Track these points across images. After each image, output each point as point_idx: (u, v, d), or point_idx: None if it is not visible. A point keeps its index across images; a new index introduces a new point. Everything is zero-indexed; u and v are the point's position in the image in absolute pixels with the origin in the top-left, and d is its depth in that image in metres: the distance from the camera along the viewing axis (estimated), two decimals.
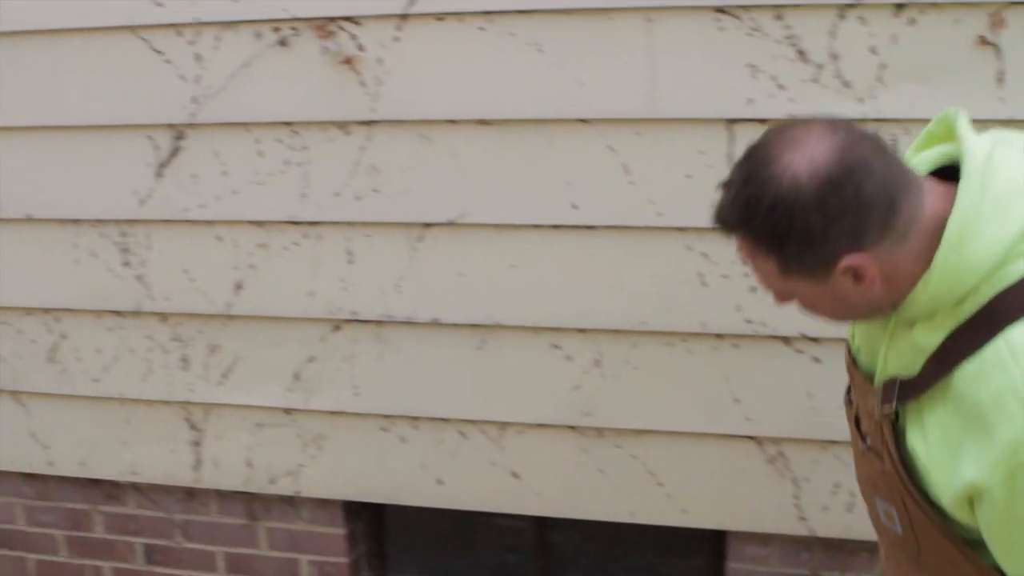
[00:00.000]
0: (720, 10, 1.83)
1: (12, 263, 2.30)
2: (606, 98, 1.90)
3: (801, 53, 1.82)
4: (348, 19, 1.98)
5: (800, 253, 1.01)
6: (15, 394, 2.39)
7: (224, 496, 2.35)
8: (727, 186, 1.05)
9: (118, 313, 2.25)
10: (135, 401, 2.30)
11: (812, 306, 1.10)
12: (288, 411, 2.22)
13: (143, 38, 2.09)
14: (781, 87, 1.84)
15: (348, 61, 1.99)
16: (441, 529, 2.40)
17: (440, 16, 1.94)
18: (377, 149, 2.01)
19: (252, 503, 2.34)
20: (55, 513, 2.47)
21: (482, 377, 2.09)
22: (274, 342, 2.17)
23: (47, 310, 2.31)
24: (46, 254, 2.27)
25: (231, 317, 2.18)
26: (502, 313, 2.03)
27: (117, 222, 2.20)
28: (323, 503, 2.29)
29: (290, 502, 2.32)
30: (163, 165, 2.14)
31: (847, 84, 1.81)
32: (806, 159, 0.97)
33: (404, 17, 1.95)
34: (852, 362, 1.23)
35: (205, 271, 2.17)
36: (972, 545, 1.06)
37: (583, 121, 1.92)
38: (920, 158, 1.13)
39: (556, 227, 1.97)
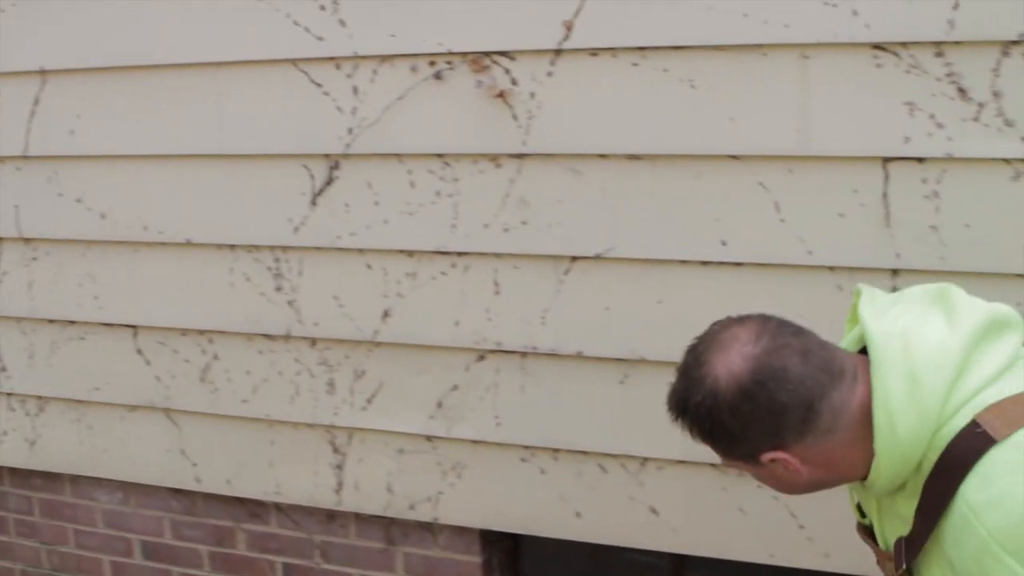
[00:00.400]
0: (878, 47, 2.05)
1: (171, 285, 2.70)
2: (758, 134, 2.15)
3: (961, 91, 2.02)
4: (502, 53, 2.29)
5: (726, 446, 1.30)
6: (168, 411, 2.80)
7: (363, 520, 2.70)
8: (677, 375, 1.33)
9: (269, 336, 2.63)
10: (281, 423, 2.67)
11: (762, 480, 1.34)
12: (430, 438, 2.54)
13: (303, 71, 2.46)
14: (939, 125, 2.04)
15: (501, 95, 2.30)
16: (576, 562, 2.67)
17: (594, 52, 2.22)
18: (527, 182, 2.31)
19: (390, 528, 2.68)
20: (200, 529, 2.87)
21: (624, 411, 2.36)
22: (419, 370, 2.50)
23: (201, 331, 2.70)
24: (203, 277, 2.66)
25: (378, 344, 2.52)
26: (646, 348, 2.30)
27: (271, 248, 2.57)
28: (461, 531, 2.60)
29: (428, 528, 2.64)
30: (317, 194, 2.50)
31: (1009, 123, 1.99)
32: (726, 367, 1.22)
33: (558, 52, 2.25)
34: (863, 530, 1.43)
35: (354, 298, 2.52)
36: None
37: (734, 157, 2.17)
38: (850, 337, 1.35)
39: (704, 263, 2.23)
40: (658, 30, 2.13)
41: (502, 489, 2.47)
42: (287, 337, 2.58)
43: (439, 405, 2.48)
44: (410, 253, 2.42)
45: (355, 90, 2.39)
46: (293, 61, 2.44)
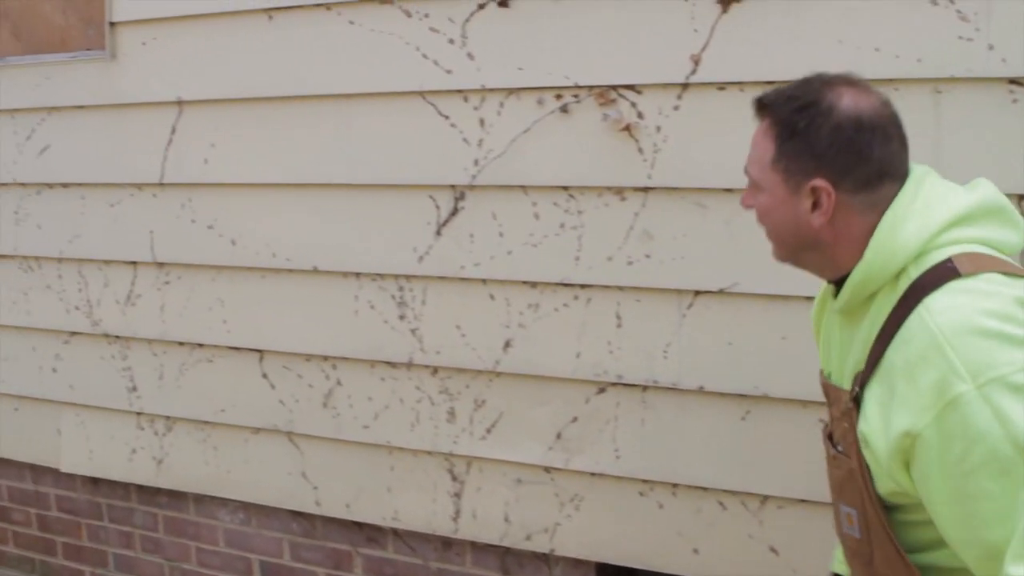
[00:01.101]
0: (1015, 81, 2.07)
1: (297, 311, 2.84)
2: None
3: None
4: (629, 87, 2.37)
5: (796, 151, 1.40)
6: (290, 435, 2.93)
7: (479, 548, 2.77)
8: (796, 83, 1.46)
9: (391, 364, 2.74)
10: (401, 449, 2.77)
11: (767, 213, 1.48)
12: (548, 469, 2.61)
13: (431, 103, 2.57)
14: None
15: (627, 128, 2.38)
16: None
17: (721, 86, 2.28)
18: (651, 215, 2.38)
19: (506, 557, 2.75)
20: (319, 552, 2.99)
21: (745, 448, 2.39)
22: (539, 401, 2.58)
23: (325, 357, 2.83)
24: (328, 304, 2.79)
25: (498, 374, 2.61)
26: (769, 384, 2.34)
27: (396, 277, 2.68)
28: (576, 563, 2.66)
29: (543, 559, 2.71)
30: (443, 224, 2.61)
31: None
32: (856, 99, 1.38)
33: (685, 86, 2.31)
34: (825, 379, 1.58)
35: (476, 327, 2.61)
36: (920, 550, 1.35)
37: None
38: None
39: None
40: (786, 63, 2.17)
41: (619, 522, 2.53)
42: (409, 365, 2.68)
43: (558, 436, 2.55)
44: (533, 284, 2.50)
45: (482, 122, 2.49)
46: (421, 93, 2.56)
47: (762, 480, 2.35)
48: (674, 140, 2.32)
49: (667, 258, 2.35)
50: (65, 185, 3.21)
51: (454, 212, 2.56)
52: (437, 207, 2.58)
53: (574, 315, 2.47)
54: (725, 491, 2.40)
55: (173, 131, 2.95)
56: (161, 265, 3.05)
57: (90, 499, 3.42)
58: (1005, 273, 1.30)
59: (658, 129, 2.32)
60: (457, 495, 2.70)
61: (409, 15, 2.56)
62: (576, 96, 2.39)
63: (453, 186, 2.55)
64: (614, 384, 2.46)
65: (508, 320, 2.54)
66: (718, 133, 2.27)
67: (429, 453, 2.70)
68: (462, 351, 2.61)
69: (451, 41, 2.50)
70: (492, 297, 2.55)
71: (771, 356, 2.30)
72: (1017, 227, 1.41)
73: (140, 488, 3.29)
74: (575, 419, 2.52)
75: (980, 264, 1.32)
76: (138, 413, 3.18)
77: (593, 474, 2.53)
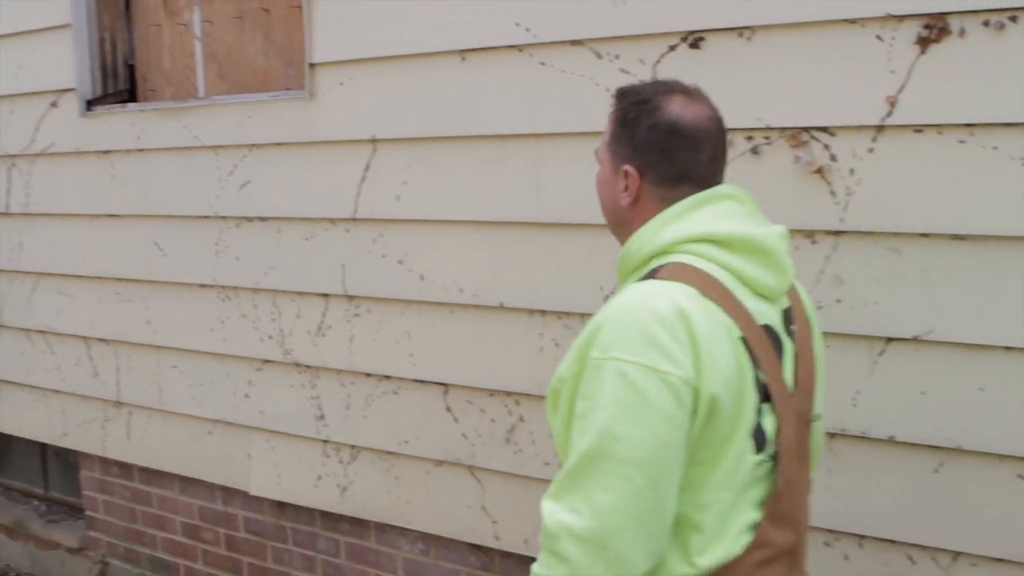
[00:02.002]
0: None
1: (482, 346, 2.97)
2: None
3: None
4: (822, 129, 2.41)
5: (622, 137, 1.68)
6: (472, 468, 3.06)
7: None
8: (654, 82, 1.75)
9: None
10: None
11: (599, 185, 1.78)
12: None
13: None
14: None
15: (819, 170, 2.42)
16: None
17: (918, 128, 2.30)
18: (843, 259, 2.41)
19: None
20: None
21: (937, 502, 2.38)
22: None
23: (509, 393, 2.95)
24: (513, 340, 2.91)
25: None
26: (964, 436, 2.32)
27: (581, 315, 2.78)
28: None
29: None
30: None
31: None
32: (683, 108, 1.65)
33: (880, 128, 2.34)
34: None
35: None
36: None
37: None
38: None
39: None
40: (988, 106, 2.19)
41: None
42: None
43: None
44: None
45: None
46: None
47: (954, 536, 2.34)
48: (868, 183, 2.34)
49: (858, 303, 2.37)
50: (263, 219, 3.43)
51: None
52: None
53: None
54: (914, 545, 2.39)
55: (367, 168, 3.13)
56: (351, 298, 3.24)
57: (276, 522, 3.62)
58: (701, 291, 1.51)
59: (851, 172, 2.36)
60: None
61: (600, 56, 2.66)
62: (767, 138, 2.45)
63: None
64: None
65: None
66: (914, 176, 2.29)
67: None
68: None
69: (641, 82, 2.59)
70: None
71: (967, 407, 2.29)
72: (777, 272, 1.63)
73: (324, 514, 3.48)
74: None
75: (680, 275, 1.54)
76: (325, 441, 3.37)
77: None
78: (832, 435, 2.45)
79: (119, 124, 3.82)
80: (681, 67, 2.52)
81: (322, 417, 3.35)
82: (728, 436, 1.50)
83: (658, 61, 2.56)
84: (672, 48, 2.55)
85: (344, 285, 3.24)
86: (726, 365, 1.49)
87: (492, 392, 2.95)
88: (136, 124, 3.77)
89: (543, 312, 2.82)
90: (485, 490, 3.00)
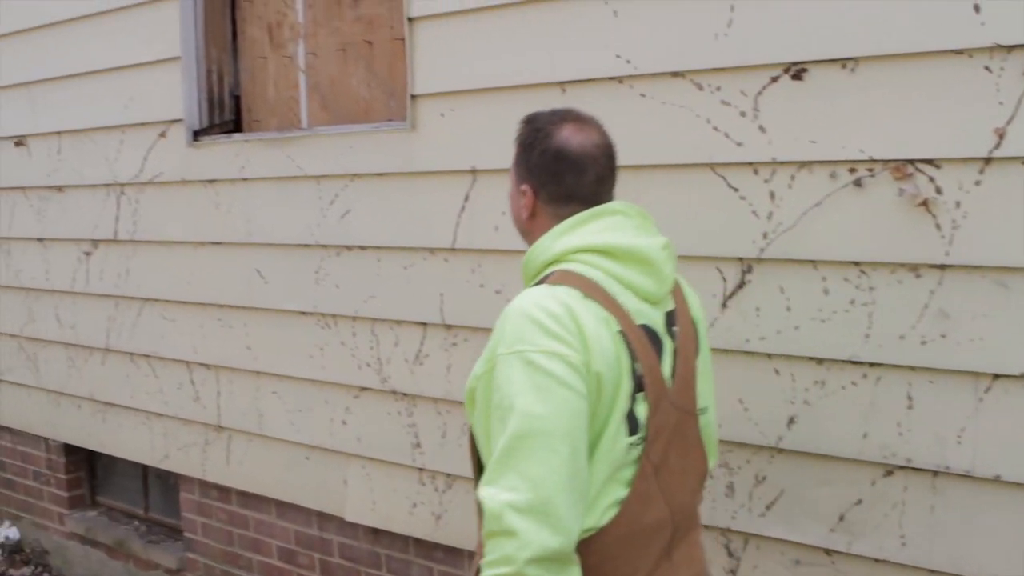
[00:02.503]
0: None
1: None
2: None
3: None
4: (927, 161, 2.40)
5: (521, 159, 1.95)
6: None
7: None
8: (556, 111, 1.98)
9: None
10: None
11: (509, 200, 2.01)
12: (828, 552, 2.63)
13: (721, 175, 2.69)
14: None
15: (924, 203, 2.41)
16: None
17: None
18: (948, 293, 2.39)
19: None
20: None
21: None
22: (822, 480, 2.61)
23: None
24: None
25: (780, 450, 2.66)
26: None
27: None
28: None
29: None
30: (729, 296, 2.71)
31: None
32: (571, 135, 1.91)
33: (987, 160, 2.32)
34: None
35: (759, 402, 2.68)
36: None
37: None
38: None
39: None
40: None
41: None
42: None
43: (841, 518, 2.57)
44: (819, 360, 2.55)
45: (772, 195, 2.58)
46: (711, 165, 2.68)
47: None
48: (975, 216, 2.33)
49: (964, 339, 2.35)
50: (363, 248, 3.52)
51: (741, 285, 2.65)
52: (724, 279, 2.68)
53: (862, 394, 2.50)
54: None
55: (466, 199, 3.20)
56: (449, 327, 3.29)
57: (370, 549, 3.68)
58: (583, 293, 1.76)
59: (957, 205, 2.34)
60: (733, 572, 2.76)
61: (701, 88, 2.69)
62: (871, 170, 2.45)
63: (740, 259, 2.64)
64: (902, 467, 2.47)
65: (793, 396, 2.60)
66: (1023, 209, 2.27)
67: (706, 527, 2.77)
68: (744, 425, 2.68)
69: (743, 114, 2.61)
70: (777, 372, 2.62)
71: None
72: (657, 278, 1.88)
73: (418, 542, 3.53)
74: (859, 501, 2.54)
75: (566, 280, 1.79)
76: (420, 469, 3.42)
77: (876, 560, 2.53)
78: (935, 473, 2.42)
79: (224, 154, 3.95)
80: (783, 99, 2.54)
81: (418, 445, 3.41)
82: (606, 418, 1.72)
83: (760, 93, 2.58)
84: (774, 80, 2.56)
85: (442, 314, 3.30)
86: (608, 351, 1.72)
87: None
88: (240, 154, 3.89)
89: None
90: None
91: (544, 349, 1.66)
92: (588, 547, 1.71)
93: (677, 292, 2.01)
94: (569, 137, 1.89)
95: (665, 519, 1.84)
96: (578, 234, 1.86)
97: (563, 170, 1.89)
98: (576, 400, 1.66)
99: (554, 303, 1.72)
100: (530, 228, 1.96)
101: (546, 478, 1.59)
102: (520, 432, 1.62)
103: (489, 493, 1.62)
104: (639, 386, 1.78)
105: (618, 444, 1.75)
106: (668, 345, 1.88)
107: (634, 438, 1.77)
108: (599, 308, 1.76)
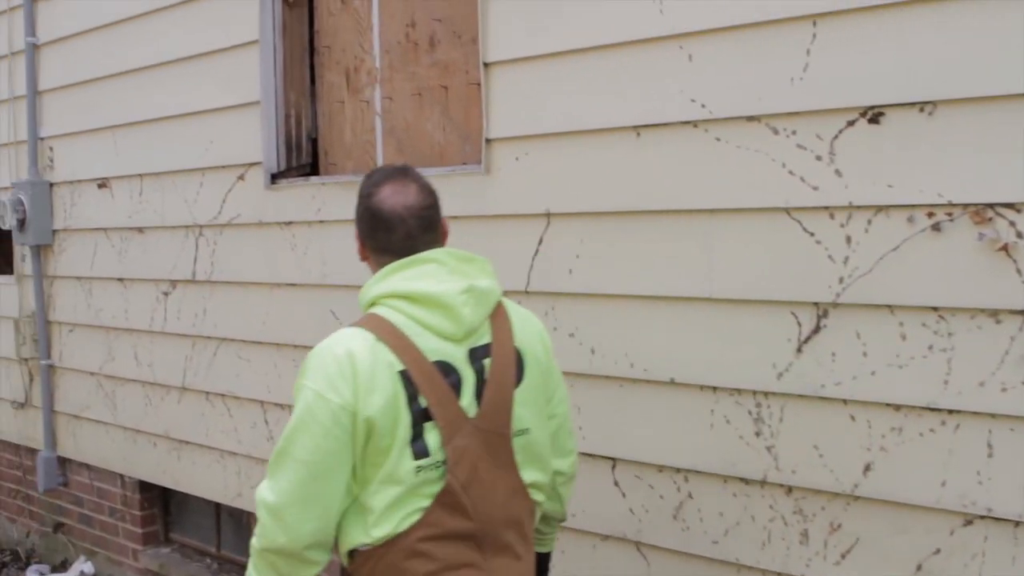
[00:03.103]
0: None
1: (651, 421, 3.01)
2: None
3: None
4: (1007, 205, 2.38)
5: (355, 213, 2.27)
6: (638, 544, 3.07)
7: None
8: (386, 169, 2.29)
9: (744, 480, 2.83)
10: (751, 568, 2.84)
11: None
12: None
13: (796, 219, 2.70)
14: None
15: (1004, 248, 2.39)
16: None
17: None
18: None
19: None
20: None
21: None
22: (898, 529, 2.59)
23: (678, 469, 2.97)
24: (683, 416, 2.94)
25: (856, 498, 2.64)
26: None
27: (753, 392, 2.80)
28: None
29: None
30: (804, 341, 2.70)
31: None
32: (385, 197, 2.20)
33: None
34: None
35: (835, 448, 2.66)
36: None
37: None
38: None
39: None
40: None
41: None
42: (763, 482, 2.77)
43: (918, 568, 2.54)
44: (896, 407, 2.54)
45: (848, 239, 2.59)
46: (787, 209, 2.69)
47: None
48: None
49: None
50: None
51: (816, 330, 2.65)
52: (799, 324, 2.68)
53: (940, 441, 2.48)
54: None
55: (540, 242, 3.24)
56: None
57: None
58: (376, 336, 2.09)
59: None
60: None
61: (776, 132, 2.71)
62: (949, 214, 2.44)
63: (816, 303, 2.65)
64: (983, 517, 2.44)
65: (869, 443, 2.58)
66: None
67: (779, 574, 2.76)
68: (819, 472, 2.67)
69: (818, 158, 2.62)
70: (853, 418, 2.61)
71: None
72: (455, 320, 2.12)
73: None
74: (937, 551, 2.51)
75: (367, 323, 2.12)
76: None
77: None
78: (1016, 523, 2.40)
79: (301, 196, 4.04)
80: (860, 142, 2.55)
81: None
82: (388, 447, 2.04)
83: (836, 136, 2.59)
84: (851, 123, 2.58)
85: None
86: (386, 390, 2.03)
87: (661, 468, 2.98)
88: (317, 197, 3.97)
89: (714, 388, 2.85)
90: (651, 567, 3.02)
91: (317, 390, 2.05)
92: (391, 547, 2.08)
93: (500, 327, 2.22)
94: (383, 199, 2.19)
95: (469, 527, 2.11)
96: (389, 281, 2.15)
97: (376, 227, 2.20)
98: (324, 439, 2.04)
99: (341, 348, 2.07)
100: (370, 269, 2.28)
101: (285, 491, 2.05)
102: (281, 450, 2.08)
103: (260, 486, 2.11)
104: (426, 416, 2.06)
105: (402, 467, 2.05)
106: (469, 377, 2.13)
107: (424, 461, 2.07)
108: (387, 351, 2.06)
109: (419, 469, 2.07)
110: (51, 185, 5.48)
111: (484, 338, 2.18)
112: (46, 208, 5.44)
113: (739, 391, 2.80)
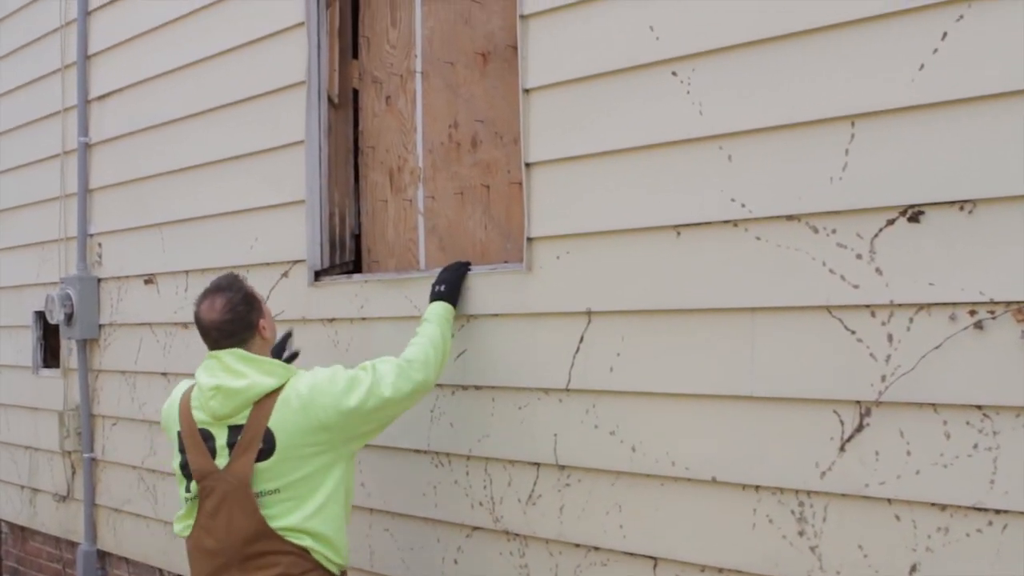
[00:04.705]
0: None
1: (693, 520, 2.99)
2: None
3: None
4: None
5: None
6: None
7: None
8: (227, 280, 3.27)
9: None
10: None
11: None
12: None
13: (837, 317, 2.72)
14: None
15: None
16: None
17: None
18: None
19: None
20: None
21: None
22: None
23: (720, 569, 2.94)
24: (725, 515, 2.93)
25: None
26: None
27: (796, 492, 2.79)
28: None
29: None
30: (847, 440, 2.70)
31: None
32: (199, 308, 3.14)
33: None
34: None
35: (880, 549, 2.64)
36: None
37: None
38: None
39: None
40: None
41: None
42: None
43: None
44: (942, 507, 2.53)
45: (890, 338, 2.60)
46: (827, 308, 2.71)
47: None
48: None
49: None
50: (478, 387, 3.60)
51: (859, 428, 2.66)
52: (841, 422, 2.68)
53: (988, 542, 2.46)
54: None
55: (581, 340, 3.27)
56: (562, 468, 3.33)
57: None
58: (180, 400, 3.15)
59: None
60: None
61: (816, 231, 2.74)
62: (992, 312, 2.46)
63: (859, 401, 2.65)
64: None
65: (915, 543, 2.57)
66: None
67: None
68: (864, 572, 2.65)
69: (859, 256, 2.65)
70: (898, 518, 2.60)
71: None
72: (207, 409, 3.03)
73: None
74: None
75: (185, 390, 3.18)
76: None
77: None
78: None
79: (344, 293, 4.11)
80: (900, 241, 2.58)
81: None
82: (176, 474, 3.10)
83: (876, 235, 2.63)
84: (890, 222, 2.61)
85: (555, 454, 3.34)
86: (174, 443, 3.13)
87: (703, 567, 2.96)
88: (359, 294, 4.04)
89: (757, 487, 2.85)
90: None
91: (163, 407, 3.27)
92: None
93: (257, 414, 2.98)
94: (198, 313, 3.09)
95: (216, 548, 2.98)
96: (199, 368, 3.08)
97: (198, 330, 3.10)
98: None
99: (175, 391, 3.26)
100: None
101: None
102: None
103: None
104: (186, 463, 3.05)
105: (180, 493, 3.09)
106: (222, 446, 3.00)
107: (189, 494, 3.04)
108: (176, 415, 3.13)
109: (187, 499, 3.05)
110: (99, 280, 5.60)
111: (242, 420, 2.97)
112: (93, 303, 5.55)
113: (782, 490, 2.80)
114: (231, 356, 3.00)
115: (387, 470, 3.92)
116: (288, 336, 3.83)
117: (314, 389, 3.01)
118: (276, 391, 2.98)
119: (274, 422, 2.95)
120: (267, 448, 2.93)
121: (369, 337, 3.99)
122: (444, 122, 4.02)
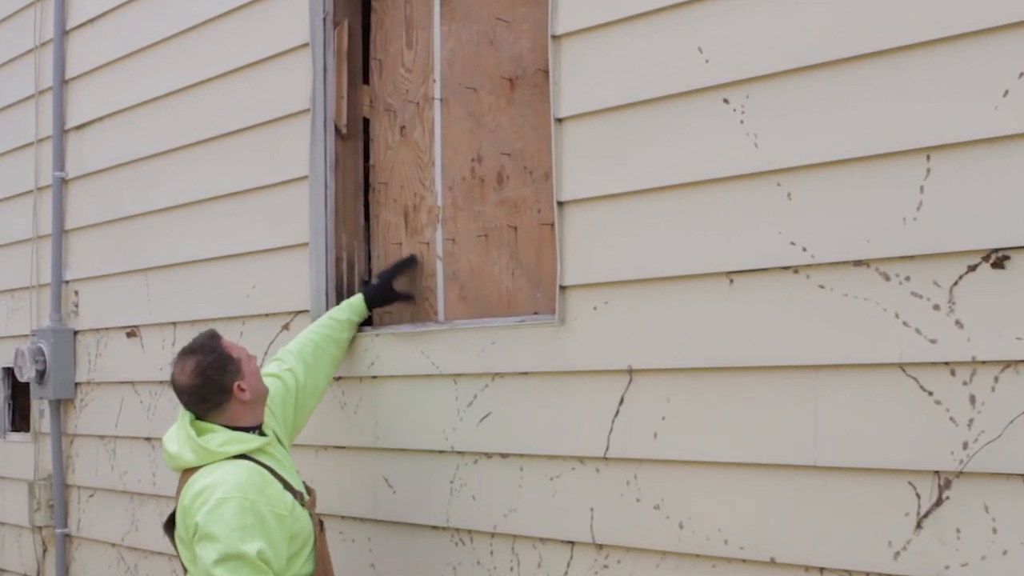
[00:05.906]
0: None
1: None
2: None
3: None
4: None
5: None
6: None
7: None
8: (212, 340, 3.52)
9: None
10: None
11: None
12: None
13: (912, 376, 2.73)
14: None
15: None
16: None
17: None
18: None
19: None
20: None
21: None
22: None
23: None
24: None
25: None
26: None
27: (867, 574, 2.78)
28: None
29: None
30: (924, 515, 2.71)
31: None
32: (174, 369, 3.43)
33: None
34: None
35: None
36: None
37: None
38: None
39: None
40: None
41: None
42: None
43: None
44: None
45: (972, 399, 2.62)
46: (901, 365, 2.73)
47: None
48: None
49: None
50: (504, 455, 3.63)
51: (938, 502, 2.67)
52: (917, 496, 2.70)
53: None
54: None
55: (621, 401, 3.30)
56: (600, 547, 3.35)
57: None
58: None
59: None
60: None
61: (887, 278, 2.77)
62: None
63: (937, 472, 2.67)
64: None
65: None
66: None
67: None
68: None
69: (936, 307, 2.68)
70: None
71: None
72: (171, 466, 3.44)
73: None
74: None
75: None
76: None
77: None
78: None
79: (353, 349, 4.14)
80: (983, 289, 2.60)
81: None
82: None
83: (955, 283, 2.65)
84: (971, 268, 2.63)
85: (592, 532, 3.36)
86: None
87: None
88: (370, 349, 4.08)
89: (821, 569, 2.86)
90: None
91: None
92: None
93: (181, 486, 3.28)
94: (173, 375, 3.38)
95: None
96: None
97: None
98: None
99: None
100: None
101: None
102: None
103: None
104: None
105: None
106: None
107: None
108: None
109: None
110: (75, 333, 5.66)
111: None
112: (68, 358, 5.60)
113: (850, 572, 2.81)
114: (184, 419, 3.35)
115: (401, 549, 3.94)
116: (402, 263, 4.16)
117: (198, 511, 3.20)
118: (195, 468, 3.28)
119: (183, 501, 3.26)
120: (178, 525, 3.33)
121: (379, 398, 4.03)
122: (466, 155, 4.06)
